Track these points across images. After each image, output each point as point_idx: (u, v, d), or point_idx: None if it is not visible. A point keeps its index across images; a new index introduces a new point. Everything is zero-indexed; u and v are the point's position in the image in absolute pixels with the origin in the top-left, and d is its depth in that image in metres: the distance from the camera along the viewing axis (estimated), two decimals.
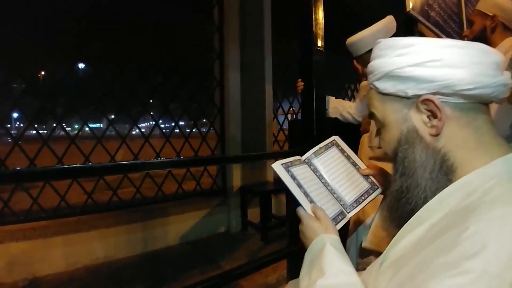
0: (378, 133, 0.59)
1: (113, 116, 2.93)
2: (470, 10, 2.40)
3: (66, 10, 2.48)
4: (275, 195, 3.11)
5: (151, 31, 2.90)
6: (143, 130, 2.94)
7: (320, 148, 0.85)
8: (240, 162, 3.06)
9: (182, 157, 2.22)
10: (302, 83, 1.33)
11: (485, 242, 0.36)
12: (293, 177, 0.72)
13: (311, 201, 0.70)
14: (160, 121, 3.07)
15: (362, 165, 0.83)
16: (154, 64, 3.05)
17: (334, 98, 1.84)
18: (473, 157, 0.47)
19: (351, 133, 1.70)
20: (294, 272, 1.30)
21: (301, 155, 0.83)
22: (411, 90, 0.50)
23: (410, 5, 1.77)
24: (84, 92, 2.67)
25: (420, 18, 1.84)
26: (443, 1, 2.11)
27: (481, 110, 0.49)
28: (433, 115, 0.49)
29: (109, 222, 2.44)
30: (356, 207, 0.76)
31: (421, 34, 1.90)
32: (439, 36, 1.94)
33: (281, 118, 3.65)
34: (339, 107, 1.79)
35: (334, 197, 0.76)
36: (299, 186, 0.71)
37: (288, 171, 0.73)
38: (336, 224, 0.69)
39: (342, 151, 0.86)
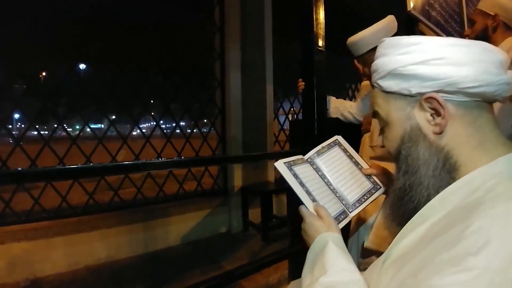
0: (382, 131, 0.59)
1: (114, 117, 2.93)
2: (471, 9, 2.40)
3: (67, 10, 2.48)
4: (276, 195, 3.10)
5: (152, 31, 2.90)
6: (144, 130, 2.94)
7: (323, 147, 0.85)
8: (241, 162, 3.06)
9: (183, 157, 2.22)
10: (303, 83, 1.33)
11: (489, 238, 0.36)
12: (296, 176, 0.72)
13: (314, 200, 0.70)
14: (161, 122, 3.07)
15: (364, 165, 0.83)
16: (155, 64, 3.05)
17: (335, 98, 1.84)
18: (476, 156, 0.47)
19: (352, 133, 1.69)
20: (295, 272, 1.30)
21: (303, 155, 0.82)
22: (414, 88, 0.50)
23: (411, 4, 1.77)
24: (85, 93, 2.67)
25: (421, 17, 1.84)
26: (444, 0, 2.11)
27: (485, 108, 0.49)
28: (436, 113, 0.49)
29: (111, 223, 2.44)
30: (358, 206, 0.76)
31: (422, 34, 1.90)
32: (440, 36, 1.93)
33: (281, 118, 3.66)
34: (340, 107, 1.78)
35: (336, 196, 0.76)
36: (302, 185, 0.71)
37: (290, 169, 0.73)
38: (338, 223, 0.69)
39: (345, 150, 0.85)
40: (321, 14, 1.27)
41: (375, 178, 0.81)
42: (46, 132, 2.59)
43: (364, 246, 1.15)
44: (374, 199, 0.78)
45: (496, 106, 0.57)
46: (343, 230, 0.69)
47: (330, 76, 4.20)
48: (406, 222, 0.51)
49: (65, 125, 2.53)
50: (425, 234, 0.46)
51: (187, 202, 2.94)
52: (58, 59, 2.57)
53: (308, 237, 0.66)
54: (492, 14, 1.39)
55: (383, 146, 0.59)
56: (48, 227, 2.25)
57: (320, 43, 1.27)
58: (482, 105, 0.49)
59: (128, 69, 2.86)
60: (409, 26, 1.87)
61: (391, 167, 0.70)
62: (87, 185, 2.59)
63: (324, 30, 1.28)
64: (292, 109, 3.82)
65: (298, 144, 2.15)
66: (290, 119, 3.63)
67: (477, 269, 0.34)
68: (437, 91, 0.48)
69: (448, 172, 0.48)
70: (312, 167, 0.80)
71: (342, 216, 0.72)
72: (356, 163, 0.83)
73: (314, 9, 1.25)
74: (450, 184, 0.47)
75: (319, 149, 0.84)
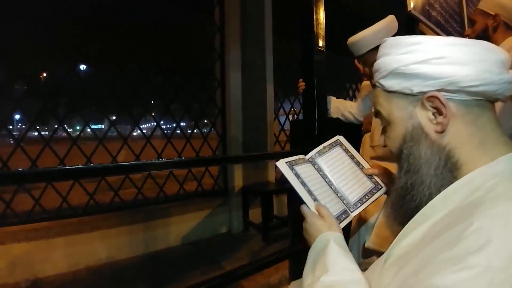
0: (384, 131, 0.59)
1: (114, 117, 2.93)
2: (471, 9, 2.39)
3: (67, 10, 2.49)
4: (276, 196, 3.11)
5: (152, 31, 2.90)
6: (144, 131, 2.94)
7: (324, 147, 0.85)
8: (241, 163, 3.06)
9: (183, 158, 2.22)
10: (303, 83, 1.33)
11: (489, 237, 0.36)
12: (297, 176, 0.72)
13: (315, 200, 0.70)
14: (162, 122, 3.07)
15: (366, 165, 0.83)
16: (155, 64, 3.06)
17: (335, 98, 1.84)
18: (478, 155, 0.47)
19: (353, 133, 1.69)
20: (296, 272, 1.30)
21: (304, 155, 0.82)
22: (416, 87, 0.50)
23: (411, 4, 1.76)
24: (85, 93, 2.67)
25: (421, 17, 1.84)
26: (444, 0, 2.11)
27: (487, 107, 0.49)
28: (438, 112, 0.49)
29: (111, 223, 2.44)
30: (359, 206, 0.76)
31: (422, 34, 1.89)
32: (440, 36, 1.93)
33: (282, 119, 3.66)
34: (341, 107, 1.78)
35: (338, 196, 0.76)
36: (303, 184, 0.71)
37: (292, 169, 0.73)
38: (339, 223, 0.69)
39: (346, 150, 0.85)
40: (321, 14, 1.27)
41: (376, 178, 0.81)
42: (47, 133, 2.59)
43: (365, 246, 1.15)
44: (376, 199, 0.78)
45: (498, 105, 0.57)
46: (344, 230, 0.69)
47: (330, 76, 4.19)
48: (408, 221, 0.51)
49: (65, 125, 2.53)
50: (426, 233, 0.46)
51: (188, 203, 2.94)
52: (58, 59, 2.57)
53: (310, 237, 0.66)
54: (493, 14, 1.39)
55: (385, 146, 0.59)
56: (48, 228, 2.25)
57: (320, 43, 1.27)
58: (484, 104, 0.49)
59: (128, 69, 2.87)
60: (409, 26, 1.87)
61: (391, 167, 0.70)
62: (87, 186, 2.59)
63: (324, 30, 1.28)
64: (292, 109, 3.82)
65: (298, 144, 2.15)
66: (291, 119, 3.63)
67: (479, 267, 0.34)
68: (439, 90, 0.48)
69: (449, 171, 0.48)
70: (314, 166, 0.80)
71: (344, 216, 0.72)
72: (358, 163, 0.83)
73: (314, 9, 1.24)
74: (452, 183, 0.48)
75: (321, 149, 0.84)
